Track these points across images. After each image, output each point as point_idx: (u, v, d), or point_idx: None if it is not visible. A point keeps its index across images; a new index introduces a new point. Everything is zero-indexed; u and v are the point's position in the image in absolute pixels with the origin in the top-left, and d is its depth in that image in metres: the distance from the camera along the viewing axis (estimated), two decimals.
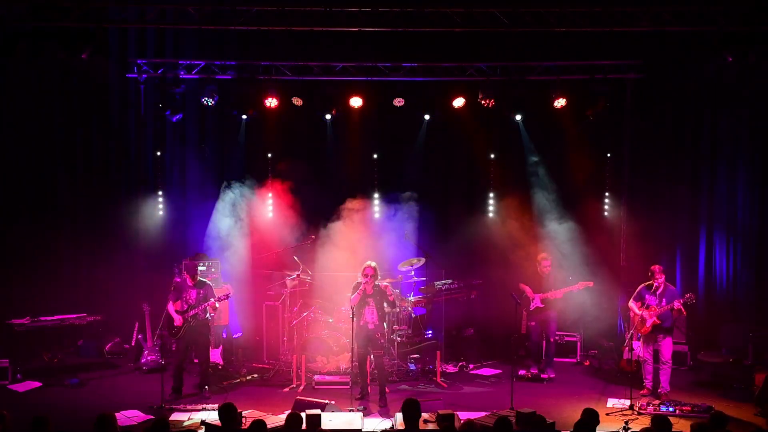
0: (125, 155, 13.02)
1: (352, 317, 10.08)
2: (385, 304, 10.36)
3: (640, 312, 10.14)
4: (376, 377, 10.19)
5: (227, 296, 10.72)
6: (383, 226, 12.61)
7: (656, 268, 10.13)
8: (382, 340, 10.37)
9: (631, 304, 10.35)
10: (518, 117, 12.98)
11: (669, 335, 10.22)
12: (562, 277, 11.35)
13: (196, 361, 10.77)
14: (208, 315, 10.46)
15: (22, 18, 10.37)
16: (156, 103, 12.60)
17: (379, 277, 10.34)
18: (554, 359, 11.46)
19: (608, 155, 13.17)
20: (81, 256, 12.77)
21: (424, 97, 12.73)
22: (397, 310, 11.45)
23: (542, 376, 11.15)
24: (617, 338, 12.09)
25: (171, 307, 10.42)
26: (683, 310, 9.97)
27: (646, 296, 10.16)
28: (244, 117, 13.05)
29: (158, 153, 13.11)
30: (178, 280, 11.04)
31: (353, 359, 10.40)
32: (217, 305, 10.49)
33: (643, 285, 10.29)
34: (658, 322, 10.05)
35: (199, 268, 10.91)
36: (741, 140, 12.33)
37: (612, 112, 12.71)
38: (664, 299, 10.03)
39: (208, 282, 10.75)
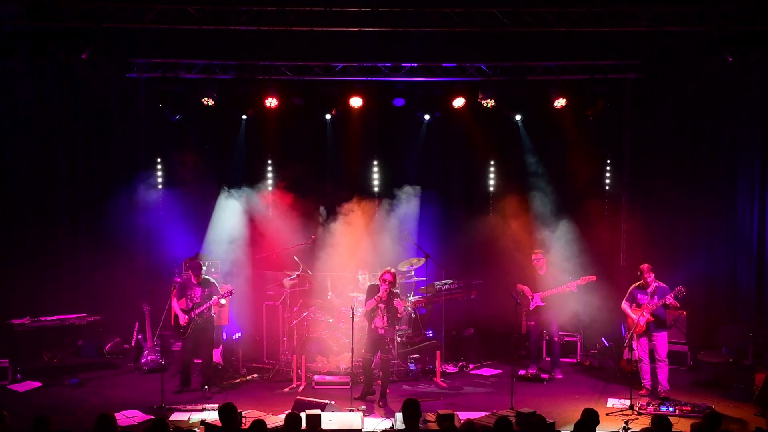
0: (125, 155, 13.01)
1: (352, 317, 10.07)
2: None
3: (633, 313, 10.14)
4: (379, 377, 10.18)
5: (231, 292, 10.72)
6: (383, 226, 12.59)
7: (645, 267, 10.11)
8: (390, 345, 10.32)
9: (624, 305, 10.35)
10: (518, 117, 12.98)
11: (664, 330, 10.17)
12: (561, 276, 11.33)
13: (197, 360, 10.76)
14: (212, 312, 10.48)
15: (22, 18, 10.37)
16: (156, 102, 12.63)
17: (398, 285, 10.29)
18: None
19: (608, 155, 13.18)
20: (81, 256, 12.78)
21: (424, 97, 12.73)
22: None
23: (543, 375, 11.15)
24: (617, 338, 12.08)
25: (176, 305, 10.41)
26: (676, 303, 9.95)
27: (638, 296, 10.17)
28: (244, 117, 13.05)
29: (158, 153, 13.12)
30: (179, 279, 11.04)
31: (353, 359, 10.37)
32: (222, 302, 10.51)
33: (633, 285, 10.29)
34: (652, 319, 10.05)
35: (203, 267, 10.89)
36: (741, 140, 12.30)
37: (612, 112, 12.73)
38: (656, 297, 10.03)
39: (213, 280, 10.76)
